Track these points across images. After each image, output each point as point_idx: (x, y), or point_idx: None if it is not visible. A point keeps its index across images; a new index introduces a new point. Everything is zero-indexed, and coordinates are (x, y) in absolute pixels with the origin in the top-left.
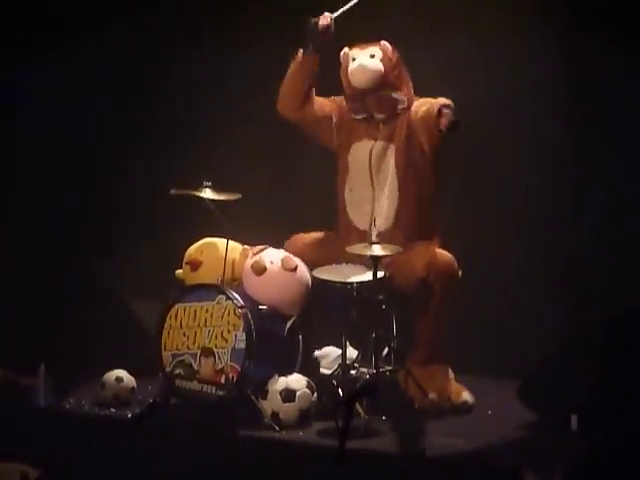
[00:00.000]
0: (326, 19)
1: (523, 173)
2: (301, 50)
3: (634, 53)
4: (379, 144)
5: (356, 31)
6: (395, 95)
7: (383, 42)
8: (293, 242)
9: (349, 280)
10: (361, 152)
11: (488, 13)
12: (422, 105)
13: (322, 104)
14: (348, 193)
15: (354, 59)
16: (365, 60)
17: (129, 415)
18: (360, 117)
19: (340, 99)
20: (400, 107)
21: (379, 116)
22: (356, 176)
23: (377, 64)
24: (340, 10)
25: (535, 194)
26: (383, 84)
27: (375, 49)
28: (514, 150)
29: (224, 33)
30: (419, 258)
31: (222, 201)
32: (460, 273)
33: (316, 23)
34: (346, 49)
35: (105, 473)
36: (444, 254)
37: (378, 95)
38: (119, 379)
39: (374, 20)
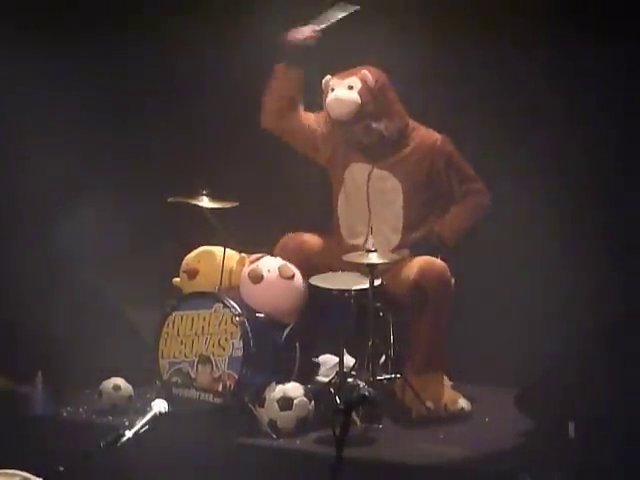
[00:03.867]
0: (300, 33)
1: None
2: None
3: None
4: (378, 172)
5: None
6: (375, 125)
7: (364, 71)
8: (288, 240)
9: (346, 288)
10: (358, 174)
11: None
12: (430, 139)
13: (308, 117)
14: (341, 210)
15: (333, 89)
16: (341, 92)
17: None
18: (350, 143)
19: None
20: (387, 134)
21: (368, 143)
22: (351, 195)
23: (353, 96)
24: (325, 24)
25: (536, 201)
26: (361, 115)
27: (354, 79)
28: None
29: (216, 39)
30: (413, 266)
31: (219, 209)
32: (453, 281)
33: (287, 38)
34: (327, 77)
35: None
36: (437, 262)
37: (357, 126)
38: (116, 387)
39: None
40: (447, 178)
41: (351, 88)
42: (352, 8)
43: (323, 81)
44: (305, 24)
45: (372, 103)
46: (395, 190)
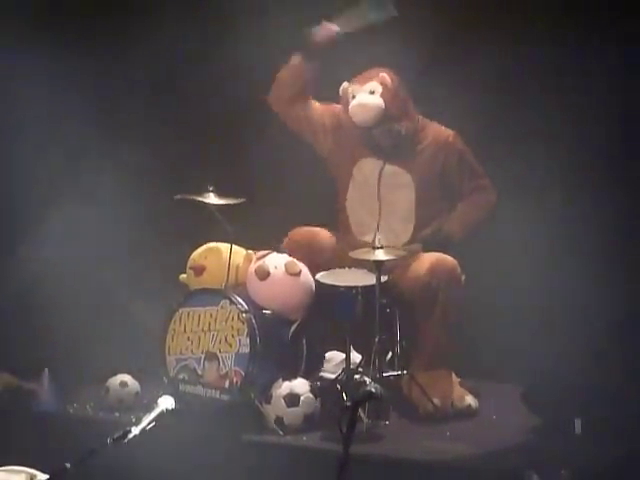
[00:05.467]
0: (326, 31)
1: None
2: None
3: None
4: (390, 167)
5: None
6: (398, 126)
7: (382, 75)
8: (298, 234)
9: (353, 284)
10: (368, 169)
11: None
12: (442, 135)
13: (316, 108)
14: (350, 206)
15: (354, 96)
16: (365, 98)
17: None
18: (365, 143)
19: (340, 107)
20: (405, 133)
21: (385, 144)
22: (361, 191)
23: (377, 101)
24: (349, 26)
25: (542, 199)
26: (385, 118)
27: (374, 84)
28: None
29: (225, 38)
30: (423, 263)
31: (226, 206)
32: (463, 278)
33: (312, 35)
34: (345, 84)
35: (110, 478)
36: (447, 259)
37: (381, 129)
38: (123, 384)
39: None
40: (459, 174)
41: (373, 93)
42: (387, 14)
43: (341, 88)
44: (332, 21)
45: (394, 105)
46: (408, 186)
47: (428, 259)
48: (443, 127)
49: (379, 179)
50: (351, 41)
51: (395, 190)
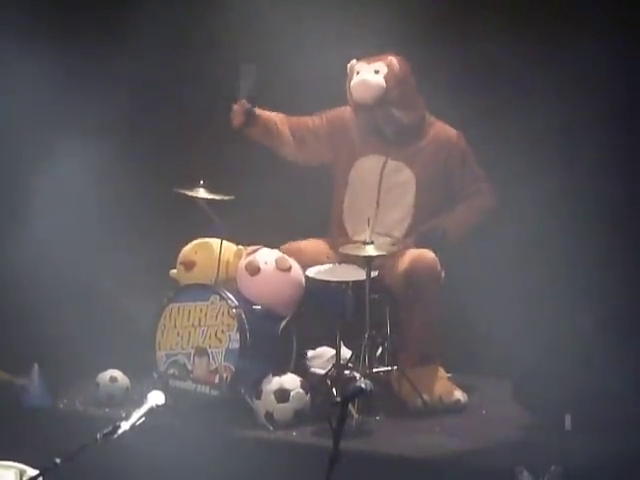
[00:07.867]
0: (236, 117)
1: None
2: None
3: None
4: (393, 163)
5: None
6: (397, 113)
7: (390, 57)
8: (288, 250)
9: (343, 280)
10: (368, 168)
11: None
12: (446, 133)
13: (299, 123)
14: (347, 207)
15: (358, 73)
16: (368, 75)
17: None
18: (368, 131)
19: (331, 112)
20: (407, 123)
21: (387, 131)
22: (359, 191)
23: (379, 80)
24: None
25: (534, 196)
26: (385, 101)
27: (380, 64)
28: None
29: (224, 39)
30: (405, 259)
31: (216, 201)
32: (443, 275)
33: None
34: (353, 61)
35: (100, 473)
36: (427, 255)
37: (379, 112)
38: (113, 379)
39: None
40: (460, 174)
41: (377, 72)
42: (252, 69)
43: (348, 65)
44: (233, 101)
45: (396, 90)
46: (408, 183)
47: (409, 255)
48: (448, 126)
49: (381, 175)
50: (351, 37)
51: (396, 186)
